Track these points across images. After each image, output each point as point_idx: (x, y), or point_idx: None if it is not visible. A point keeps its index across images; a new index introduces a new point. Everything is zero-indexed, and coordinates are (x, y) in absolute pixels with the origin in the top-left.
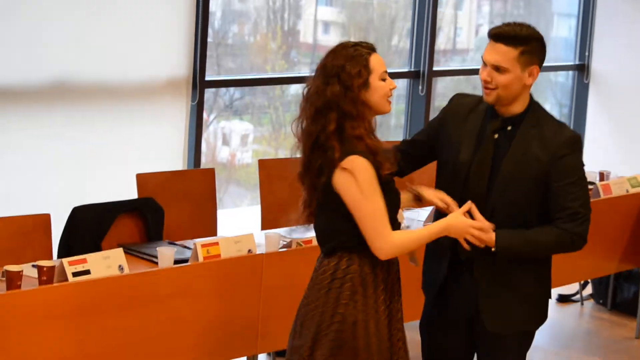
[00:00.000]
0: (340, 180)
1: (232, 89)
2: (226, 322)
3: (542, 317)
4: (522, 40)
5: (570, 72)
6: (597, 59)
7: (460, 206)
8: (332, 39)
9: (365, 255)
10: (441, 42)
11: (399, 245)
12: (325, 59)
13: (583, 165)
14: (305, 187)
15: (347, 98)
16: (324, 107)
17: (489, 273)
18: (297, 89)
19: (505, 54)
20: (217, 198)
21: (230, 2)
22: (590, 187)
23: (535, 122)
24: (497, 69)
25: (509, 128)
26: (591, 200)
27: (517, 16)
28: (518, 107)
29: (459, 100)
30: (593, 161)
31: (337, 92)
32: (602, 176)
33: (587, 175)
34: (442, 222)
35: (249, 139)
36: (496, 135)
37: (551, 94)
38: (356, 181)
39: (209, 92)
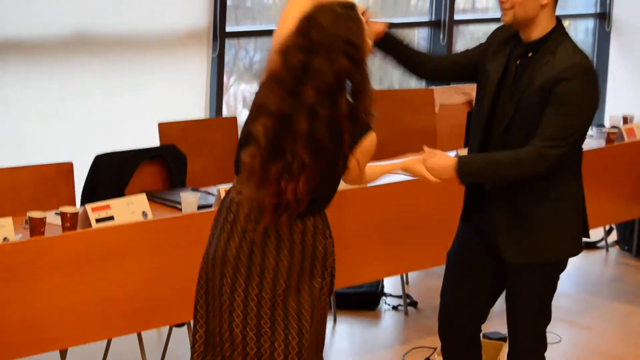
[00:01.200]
0: (358, 158)
1: (251, 52)
2: None
3: (563, 250)
4: None
5: (591, 27)
6: (618, 6)
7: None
8: None
9: None
10: (460, 1)
11: (369, 181)
12: (314, 32)
13: (584, 94)
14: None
15: (358, 73)
16: (332, 87)
17: (506, 204)
18: None
19: None
20: None
21: None
22: (614, 130)
23: (553, 48)
24: None
25: (530, 54)
26: (615, 143)
27: None
28: (537, 32)
29: (497, 32)
30: (617, 106)
31: (346, 68)
32: (626, 120)
33: (610, 119)
34: (400, 164)
35: None
36: (518, 62)
37: None
38: (368, 159)
39: (228, 55)
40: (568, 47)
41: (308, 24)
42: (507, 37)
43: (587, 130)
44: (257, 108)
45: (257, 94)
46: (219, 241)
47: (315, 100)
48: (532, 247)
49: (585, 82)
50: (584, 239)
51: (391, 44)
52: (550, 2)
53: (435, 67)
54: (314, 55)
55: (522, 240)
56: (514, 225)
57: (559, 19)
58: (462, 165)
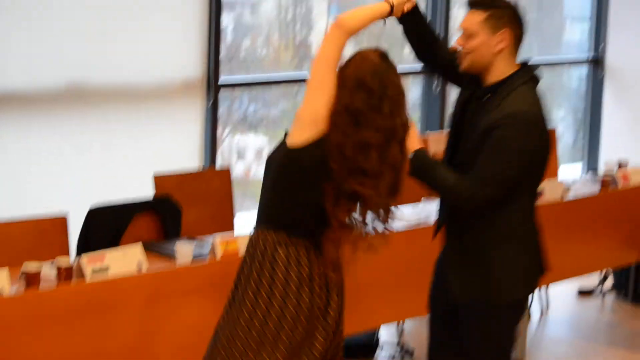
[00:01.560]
0: None
1: (245, 103)
2: None
3: (509, 291)
4: (488, 5)
5: (584, 73)
6: (611, 52)
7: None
8: (345, 49)
9: None
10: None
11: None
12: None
13: (519, 140)
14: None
15: None
16: None
17: (458, 242)
18: None
19: (473, 18)
20: (234, 209)
21: (242, 16)
22: (609, 176)
23: (506, 94)
24: (467, 34)
25: (487, 97)
26: (610, 189)
27: (529, 20)
28: (494, 77)
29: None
30: (611, 153)
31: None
32: (621, 166)
33: (605, 165)
34: None
35: (264, 153)
36: (473, 105)
37: (565, 98)
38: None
39: (223, 106)
40: (520, 94)
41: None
42: (474, 78)
43: (530, 176)
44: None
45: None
46: None
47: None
48: (479, 285)
49: (523, 130)
50: (581, 287)
51: (419, 18)
52: (506, 48)
53: (451, 62)
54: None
55: (470, 278)
56: (463, 263)
57: (525, 65)
58: (416, 156)
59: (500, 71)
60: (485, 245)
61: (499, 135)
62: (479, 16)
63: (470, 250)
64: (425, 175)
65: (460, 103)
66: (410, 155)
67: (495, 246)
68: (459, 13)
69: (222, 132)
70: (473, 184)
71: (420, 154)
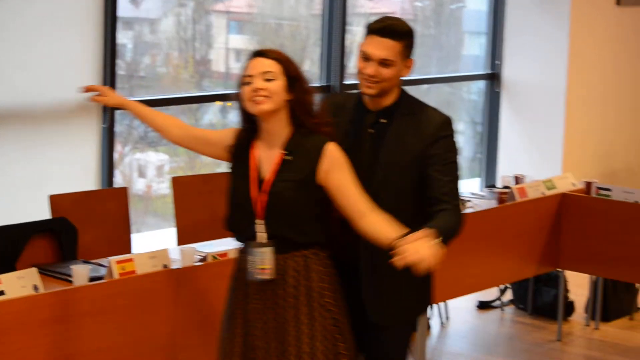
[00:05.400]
0: None
1: None
2: (144, 338)
3: (425, 304)
4: (403, 34)
5: (483, 87)
6: (507, 67)
7: None
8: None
9: None
10: (353, 66)
11: None
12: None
13: (457, 147)
14: None
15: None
16: None
17: (371, 265)
18: (210, 118)
19: (392, 48)
20: (135, 228)
21: (141, 34)
22: (505, 191)
23: (408, 110)
24: (384, 63)
25: (384, 121)
26: (508, 203)
27: (429, 36)
28: (390, 100)
29: (329, 100)
30: (508, 166)
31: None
32: (518, 180)
33: (502, 179)
34: None
35: (164, 170)
36: (372, 130)
37: (465, 112)
38: None
39: (123, 125)
40: (421, 105)
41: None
42: (340, 103)
43: None
44: None
45: None
46: None
47: None
48: (399, 307)
49: (453, 136)
50: (480, 300)
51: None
52: (408, 73)
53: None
54: None
55: (385, 302)
56: (378, 285)
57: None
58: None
59: (395, 92)
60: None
61: (445, 145)
62: (397, 46)
63: (384, 275)
64: (448, 239)
65: (350, 134)
66: (439, 245)
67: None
68: (357, 34)
69: (123, 150)
70: (455, 203)
71: (439, 231)
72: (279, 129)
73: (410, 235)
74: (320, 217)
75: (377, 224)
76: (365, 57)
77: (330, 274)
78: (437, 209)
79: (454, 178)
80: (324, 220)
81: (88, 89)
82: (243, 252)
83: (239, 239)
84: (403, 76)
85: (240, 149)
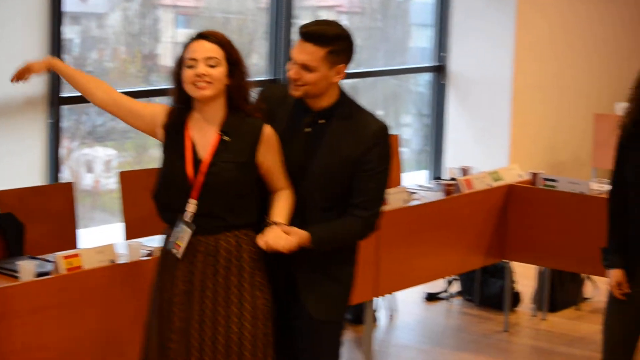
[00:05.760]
0: None
1: (93, 115)
2: (91, 333)
3: (345, 301)
4: (329, 40)
5: (430, 80)
6: (454, 60)
7: None
8: None
9: None
10: None
11: None
12: None
13: (390, 154)
14: None
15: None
16: None
17: (304, 263)
18: None
19: (313, 53)
20: (82, 224)
21: (89, 29)
22: (452, 182)
23: (347, 114)
24: (305, 67)
25: (322, 121)
26: (454, 195)
27: (376, 28)
28: (327, 101)
29: (267, 92)
30: (455, 158)
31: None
32: (464, 172)
33: (449, 171)
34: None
35: (112, 165)
36: (309, 129)
37: (412, 104)
38: None
39: (70, 120)
40: (360, 110)
41: None
42: (280, 97)
43: None
44: None
45: None
46: None
47: None
48: (331, 304)
49: (388, 144)
50: (428, 292)
51: None
52: (340, 79)
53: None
54: None
55: (322, 297)
56: (314, 283)
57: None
58: (314, 241)
59: (333, 95)
60: (340, 260)
61: (378, 153)
62: (319, 52)
63: (323, 265)
64: (332, 243)
65: (288, 128)
66: (311, 244)
67: (347, 261)
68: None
69: (70, 145)
70: (371, 217)
71: (315, 237)
72: (215, 112)
73: (286, 226)
74: (255, 198)
75: (276, 201)
76: (291, 60)
77: (261, 254)
78: (350, 213)
79: (380, 186)
80: (258, 201)
81: (18, 77)
82: (168, 235)
83: (164, 216)
84: (333, 82)
85: (173, 128)
